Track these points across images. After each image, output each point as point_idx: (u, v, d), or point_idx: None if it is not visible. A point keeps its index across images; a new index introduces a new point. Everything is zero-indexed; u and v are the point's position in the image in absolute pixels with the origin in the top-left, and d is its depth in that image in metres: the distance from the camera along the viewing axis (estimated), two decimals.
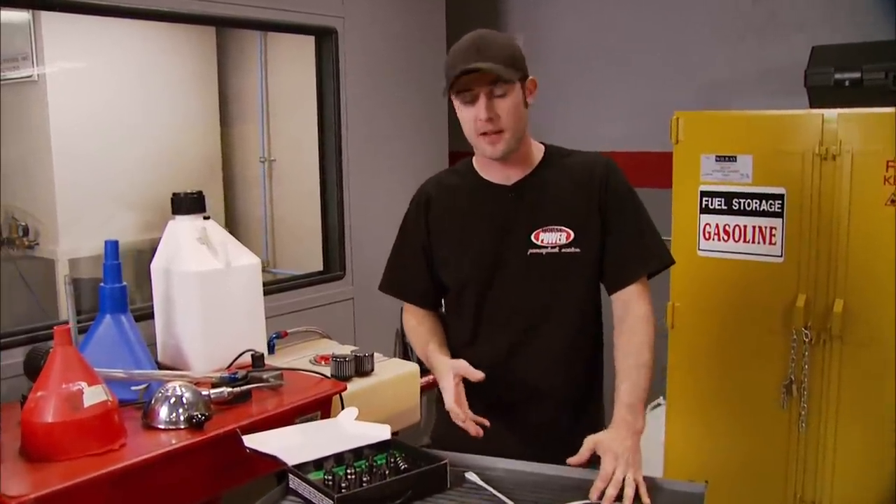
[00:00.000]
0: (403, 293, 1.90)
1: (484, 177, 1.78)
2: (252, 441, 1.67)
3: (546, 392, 1.76)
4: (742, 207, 2.54)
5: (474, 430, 1.60)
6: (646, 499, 1.46)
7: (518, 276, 1.73)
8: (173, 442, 1.84)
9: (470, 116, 1.65)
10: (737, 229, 2.56)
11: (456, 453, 1.63)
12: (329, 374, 2.41)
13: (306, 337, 2.90)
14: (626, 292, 1.72)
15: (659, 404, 3.29)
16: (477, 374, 1.63)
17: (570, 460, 1.54)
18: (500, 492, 1.50)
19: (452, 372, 1.65)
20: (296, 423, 2.04)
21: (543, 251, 1.71)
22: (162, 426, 1.89)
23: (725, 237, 2.58)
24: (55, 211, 3.20)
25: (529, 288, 1.73)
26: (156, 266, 2.33)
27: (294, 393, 2.15)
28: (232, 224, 4.05)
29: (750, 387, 2.60)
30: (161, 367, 2.31)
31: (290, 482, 1.53)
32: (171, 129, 3.68)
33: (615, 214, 1.72)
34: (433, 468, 1.53)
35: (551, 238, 1.71)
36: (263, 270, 3.98)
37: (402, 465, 1.55)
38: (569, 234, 1.70)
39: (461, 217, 1.79)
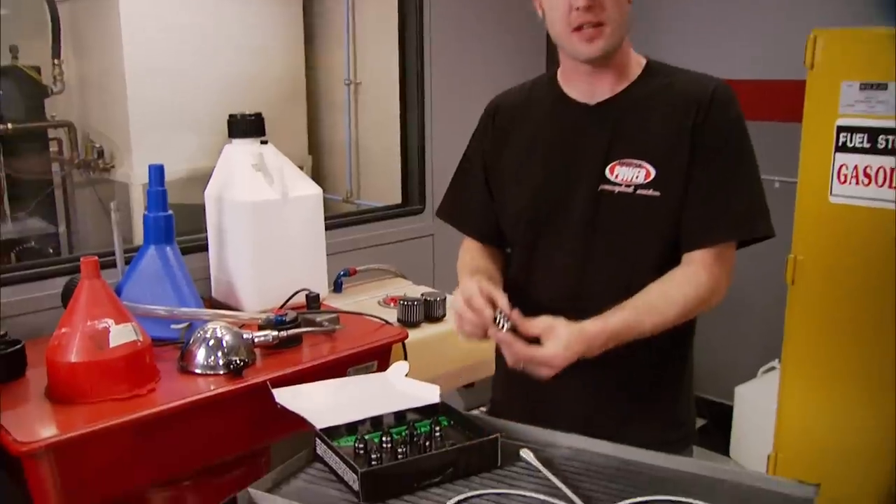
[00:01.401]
0: (459, 222, 1.62)
1: (565, 90, 1.48)
2: (283, 396, 1.50)
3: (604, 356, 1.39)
4: (889, 146, 2.17)
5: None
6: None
7: (582, 216, 1.43)
8: (210, 388, 1.68)
9: (563, 4, 1.34)
10: (881, 172, 2.19)
11: (515, 423, 1.39)
12: (395, 320, 2.21)
13: (379, 275, 2.70)
14: (692, 256, 1.39)
15: (773, 367, 2.97)
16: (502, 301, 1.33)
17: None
18: (560, 476, 1.24)
19: (479, 286, 1.36)
20: (349, 374, 1.87)
21: (616, 189, 1.40)
22: (198, 370, 1.74)
23: (866, 181, 2.22)
24: (128, 133, 3.12)
25: (593, 233, 1.43)
26: (209, 193, 2.16)
27: (348, 339, 1.95)
28: (316, 151, 3.88)
29: (882, 360, 2.25)
30: (214, 303, 2.16)
31: (318, 448, 1.34)
32: (252, 49, 3.52)
33: (707, 157, 1.37)
34: (481, 442, 1.30)
35: (627, 174, 1.38)
36: (345, 201, 3.86)
37: (448, 436, 1.34)
38: (648, 172, 1.37)
39: (529, 134, 1.51)
